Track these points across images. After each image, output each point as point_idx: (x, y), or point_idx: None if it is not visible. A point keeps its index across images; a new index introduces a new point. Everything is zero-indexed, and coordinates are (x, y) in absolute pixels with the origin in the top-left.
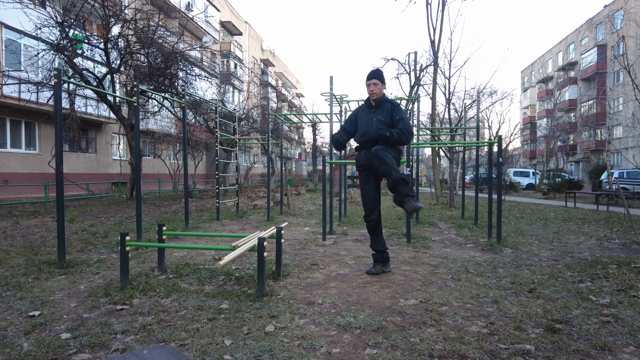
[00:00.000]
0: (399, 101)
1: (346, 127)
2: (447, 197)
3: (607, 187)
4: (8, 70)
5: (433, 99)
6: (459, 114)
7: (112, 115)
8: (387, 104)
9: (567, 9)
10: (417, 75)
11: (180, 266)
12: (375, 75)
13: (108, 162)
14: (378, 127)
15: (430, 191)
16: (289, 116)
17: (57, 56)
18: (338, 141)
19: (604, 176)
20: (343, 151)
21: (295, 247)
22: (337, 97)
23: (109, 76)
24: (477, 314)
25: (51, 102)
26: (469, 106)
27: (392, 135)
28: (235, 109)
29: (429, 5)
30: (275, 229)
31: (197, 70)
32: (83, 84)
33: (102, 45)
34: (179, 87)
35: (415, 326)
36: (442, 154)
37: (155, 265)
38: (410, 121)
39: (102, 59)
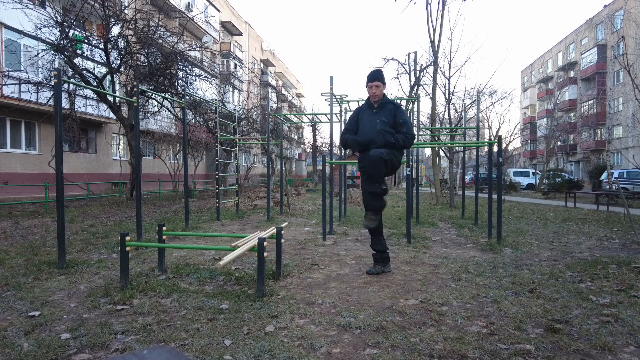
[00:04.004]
0: (398, 101)
1: (351, 128)
2: (447, 197)
3: (607, 187)
4: (8, 71)
5: (433, 99)
6: (459, 114)
7: (112, 116)
8: (389, 105)
9: (567, 9)
10: (417, 75)
11: (180, 266)
12: (378, 77)
13: (108, 162)
14: (383, 130)
15: (430, 191)
16: (289, 116)
17: (57, 56)
18: (352, 141)
19: (604, 176)
20: (338, 150)
21: (295, 247)
22: (337, 97)
23: (109, 76)
24: (477, 314)
25: (51, 102)
26: (469, 106)
27: (398, 141)
28: (235, 109)
29: (429, 6)
30: (275, 229)
31: (197, 70)
32: (83, 84)
33: (102, 46)
34: (178, 87)
35: (415, 326)
36: (442, 154)
37: (155, 265)
38: (410, 121)
39: (102, 59)
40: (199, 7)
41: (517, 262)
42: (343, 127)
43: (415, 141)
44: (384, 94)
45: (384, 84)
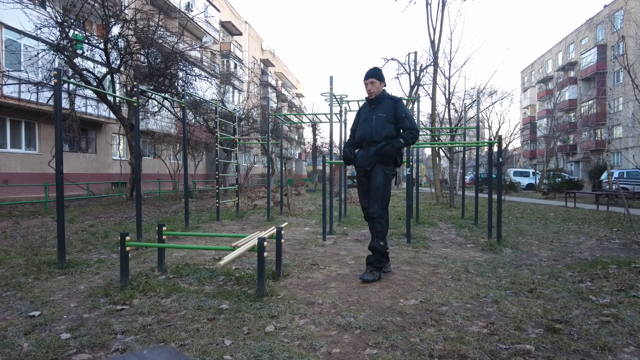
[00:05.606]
0: None
1: (354, 128)
2: (447, 197)
3: (607, 187)
4: (8, 70)
5: (433, 99)
6: (459, 114)
7: (112, 115)
8: (388, 101)
9: (567, 9)
10: (417, 75)
11: (180, 266)
12: (372, 75)
13: (108, 162)
14: (379, 126)
15: (430, 191)
16: (289, 116)
17: (57, 56)
18: (346, 157)
19: (604, 176)
20: (338, 150)
21: (295, 247)
22: (337, 97)
23: (109, 76)
24: (477, 314)
25: (51, 102)
26: (469, 106)
27: (407, 141)
28: (235, 109)
29: (428, 6)
30: (275, 229)
31: (197, 70)
32: (83, 84)
33: (102, 46)
34: (179, 87)
35: (415, 326)
36: (442, 154)
37: (155, 265)
38: (411, 114)
39: (102, 59)
40: (199, 7)
41: (517, 262)
42: (343, 128)
43: None
44: (383, 90)
45: (381, 80)
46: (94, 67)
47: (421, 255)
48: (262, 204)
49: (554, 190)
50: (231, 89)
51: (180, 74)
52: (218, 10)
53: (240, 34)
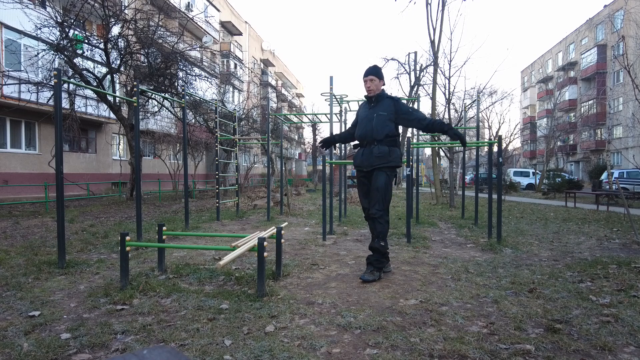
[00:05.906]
0: None
1: (355, 124)
2: (447, 197)
3: (607, 187)
4: (8, 70)
5: (433, 99)
6: (459, 114)
7: (112, 115)
8: (387, 100)
9: (567, 9)
10: (417, 75)
11: (180, 266)
12: (372, 72)
13: (108, 162)
14: (379, 124)
15: (430, 191)
16: (289, 116)
17: (57, 56)
18: (324, 141)
19: (604, 176)
20: (338, 150)
21: (295, 247)
22: (337, 97)
23: (109, 76)
24: (477, 314)
25: (51, 102)
26: (469, 106)
27: (442, 127)
28: (235, 109)
29: (428, 6)
30: (275, 229)
31: (197, 70)
32: (83, 84)
33: (102, 46)
34: (179, 87)
35: (415, 326)
36: (442, 154)
37: (155, 265)
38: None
39: (102, 59)
40: (199, 7)
41: (517, 262)
42: (343, 128)
43: (415, 141)
44: (382, 89)
45: (380, 78)
46: (94, 67)
47: (421, 255)
48: (262, 204)
49: (554, 190)
50: (231, 89)
51: (180, 74)
52: (218, 10)
53: (240, 34)
